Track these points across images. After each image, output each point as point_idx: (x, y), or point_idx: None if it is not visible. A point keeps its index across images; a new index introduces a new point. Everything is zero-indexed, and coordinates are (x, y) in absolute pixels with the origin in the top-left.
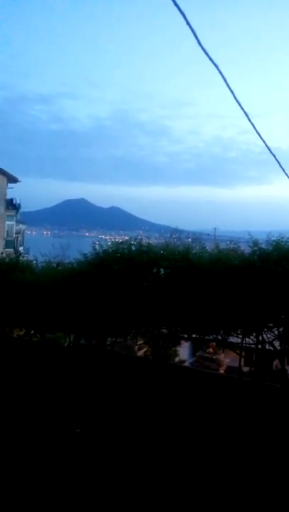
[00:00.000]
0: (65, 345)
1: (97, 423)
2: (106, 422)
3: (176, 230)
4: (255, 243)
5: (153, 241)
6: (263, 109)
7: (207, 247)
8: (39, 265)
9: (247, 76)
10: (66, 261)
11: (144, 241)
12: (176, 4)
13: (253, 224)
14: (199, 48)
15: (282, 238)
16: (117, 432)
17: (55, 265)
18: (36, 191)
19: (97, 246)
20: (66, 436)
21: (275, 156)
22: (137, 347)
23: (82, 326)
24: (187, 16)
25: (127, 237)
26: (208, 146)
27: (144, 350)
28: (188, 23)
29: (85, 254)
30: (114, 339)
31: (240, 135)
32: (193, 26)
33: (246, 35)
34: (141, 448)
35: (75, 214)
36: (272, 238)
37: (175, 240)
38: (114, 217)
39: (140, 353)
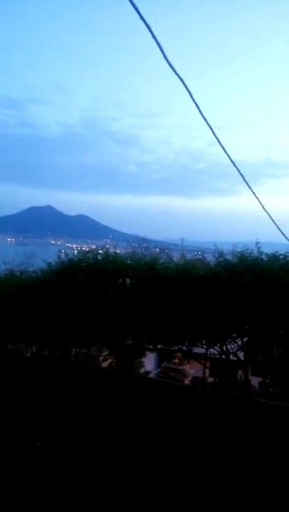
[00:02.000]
0: (27, 356)
1: (59, 436)
2: (68, 435)
3: (144, 240)
4: (221, 254)
5: (121, 250)
6: (231, 122)
7: (174, 257)
8: (1, 273)
9: (217, 89)
10: (30, 269)
11: (111, 250)
12: (142, 18)
13: (219, 235)
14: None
15: (247, 250)
16: (79, 445)
17: (18, 274)
18: (1, 197)
19: (62, 254)
20: (26, 450)
21: (238, 170)
22: (101, 358)
23: (45, 336)
24: (158, 24)
25: (94, 246)
26: (177, 157)
27: (109, 361)
28: (154, 37)
29: (49, 263)
30: (78, 350)
31: (209, 147)
32: (165, 34)
33: (218, 46)
34: (103, 460)
35: (40, 221)
36: (238, 249)
37: (143, 249)
38: (82, 225)
39: (105, 364)
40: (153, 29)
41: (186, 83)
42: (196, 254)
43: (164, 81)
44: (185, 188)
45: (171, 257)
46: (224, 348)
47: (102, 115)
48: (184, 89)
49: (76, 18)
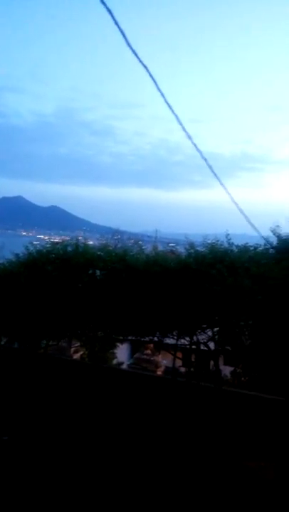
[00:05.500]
0: None
1: (28, 429)
2: (38, 428)
3: (117, 232)
4: (191, 245)
5: (94, 242)
6: (209, 115)
7: (148, 249)
8: None
9: (195, 82)
10: None
11: (82, 242)
12: (103, 3)
13: (195, 227)
14: (150, 49)
15: (217, 241)
16: (49, 437)
17: None
18: None
19: (30, 246)
20: None
21: (206, 160)
22: (72, 350)
23: (14, 328)
24: (137, 15)
25: (67, 238)
26: (154, 149)
27: (81, 353)
28: (116, 23)
29: (17, 254)
30: (48, 342)
31: (186, 139)
32: (140, 27)
33: (195, 38)
34: (74, 452)
35: (11, 212)
36: (208, 241)
37: (116, 241)
38: (54, 216)
39: (76, 356)
40: (133, 20)
41: (151, 72)
42: (169, 246)
43: (140, 71)
44: (161, 180)
45: (142, 249)
46: (194, 338)
47: (78, 105)
48: (161, 80)
49: (52, 7)
